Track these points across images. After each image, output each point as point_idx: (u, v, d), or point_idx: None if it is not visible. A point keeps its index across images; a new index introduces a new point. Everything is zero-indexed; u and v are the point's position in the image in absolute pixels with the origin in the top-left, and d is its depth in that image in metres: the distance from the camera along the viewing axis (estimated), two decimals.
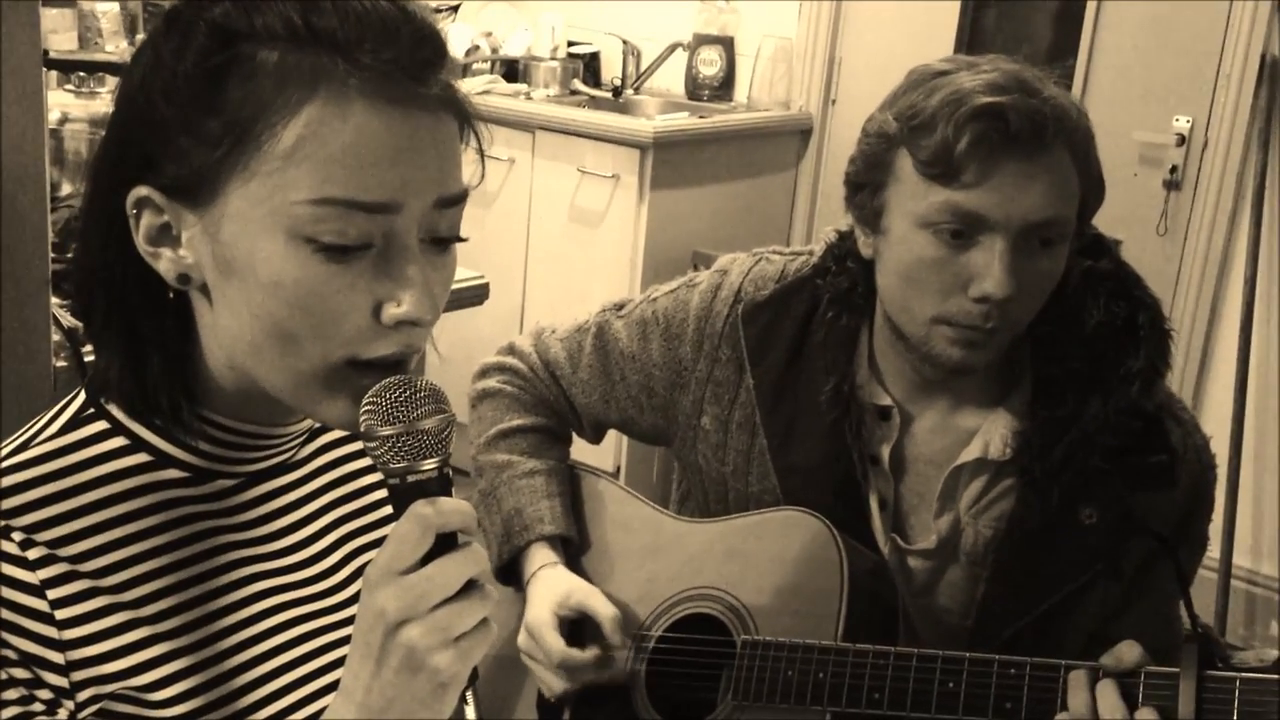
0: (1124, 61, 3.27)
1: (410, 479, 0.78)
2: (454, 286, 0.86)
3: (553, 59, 3.99)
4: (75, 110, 2.05)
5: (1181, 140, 3.18)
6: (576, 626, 1.43)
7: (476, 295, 2.24)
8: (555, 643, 1.40)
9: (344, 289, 0.78)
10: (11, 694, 0.79)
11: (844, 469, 1.40)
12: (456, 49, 3.90)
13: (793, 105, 3.80)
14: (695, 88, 3.91)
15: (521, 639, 1.44)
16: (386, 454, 0.78)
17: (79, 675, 0.81)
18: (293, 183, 0.76)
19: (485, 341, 1.77)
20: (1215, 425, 2.81)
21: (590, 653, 1.40)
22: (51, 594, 0.80)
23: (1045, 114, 1.23)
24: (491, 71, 3.92)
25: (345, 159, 0.76)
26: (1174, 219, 3.23)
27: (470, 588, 0.77)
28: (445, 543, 0.76)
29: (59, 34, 2.38)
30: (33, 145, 1.46)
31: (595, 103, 3.89)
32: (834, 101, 3.79)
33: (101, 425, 0.86)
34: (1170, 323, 1.37)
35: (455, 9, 4.09)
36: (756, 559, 1.37)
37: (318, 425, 0.96)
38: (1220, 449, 1.45)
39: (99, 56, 2.37)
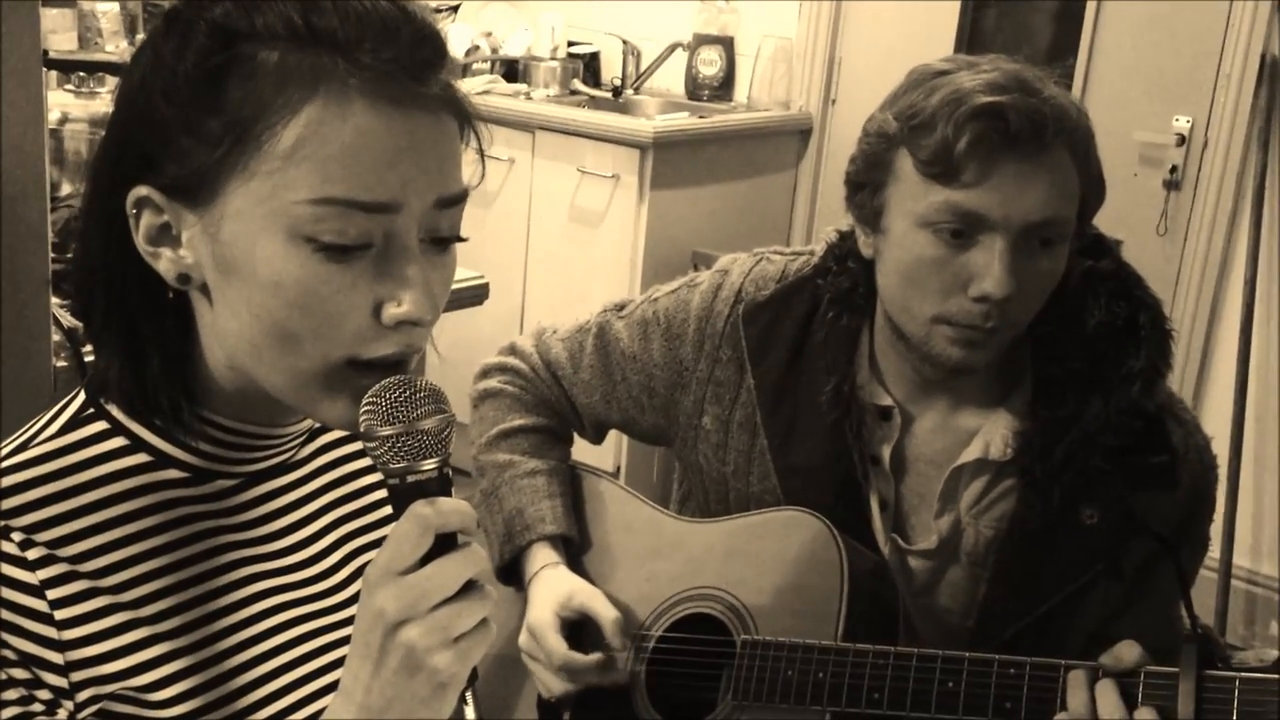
0: (1124, 61, 3.27)
1: (410, 479, 0.78)
2: (454, 286, 0.86)
3: (553, 59, 3.99)
4: (75, 110, 2.05)
5: (1181, 140, 3.18)
6: (577, 627, 1.43)
7: (476, 295, 2.24)
8: (557, 645, 1.40)
9: (344, 289, 0.78)
10: (11, 694, 0.79)
11: (845, 469, 1.40)
12: (456, 49, 3.90)
13: (793, 105, 3.80)
14: (695, 88, 3.91)
15: (523, 639, 1.44)
16: (386, 454, 0.78)
17: (78, 675, 0.81)
18: (293, 182, 0.76)
19: (485, 341, 1.77)
20: (1215, 425, 2.80)
21: (592, 657, 1.40)
22: (51, 594, 0.80)
23: (1045, 113, 1.23)
24: (491, 71, 3.92)
25: (345, 159, 0.76)
26: (1174, 219, 3.23)
27: (470, 588, 0.77)
28: (445, 543, 0.76)
29: (59, 34, 2.38)
30: (33, 145, 1.46)
31: (595, 103, 3.89)
32: (834, 101, 3.79)
33: (101, 425, 0.86)
34: (1171, 323, 1.37)
35: (455, 9, 4.09)
36: (757, 559, 1.37)
37: (318, 425, 0.96)
38: (1220, 449, 1.45)
39: (99, 56, 2.37)
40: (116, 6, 2.54)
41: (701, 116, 3.65)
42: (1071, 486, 1.33)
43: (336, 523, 0.98)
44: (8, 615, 0.79)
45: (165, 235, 0.81)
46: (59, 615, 0.80)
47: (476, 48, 3.98)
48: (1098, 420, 1.32)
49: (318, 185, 0.76)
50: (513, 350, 1.61)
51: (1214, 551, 3.01)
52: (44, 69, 1.49)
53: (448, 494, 0.79)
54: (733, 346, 1.46)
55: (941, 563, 1.40)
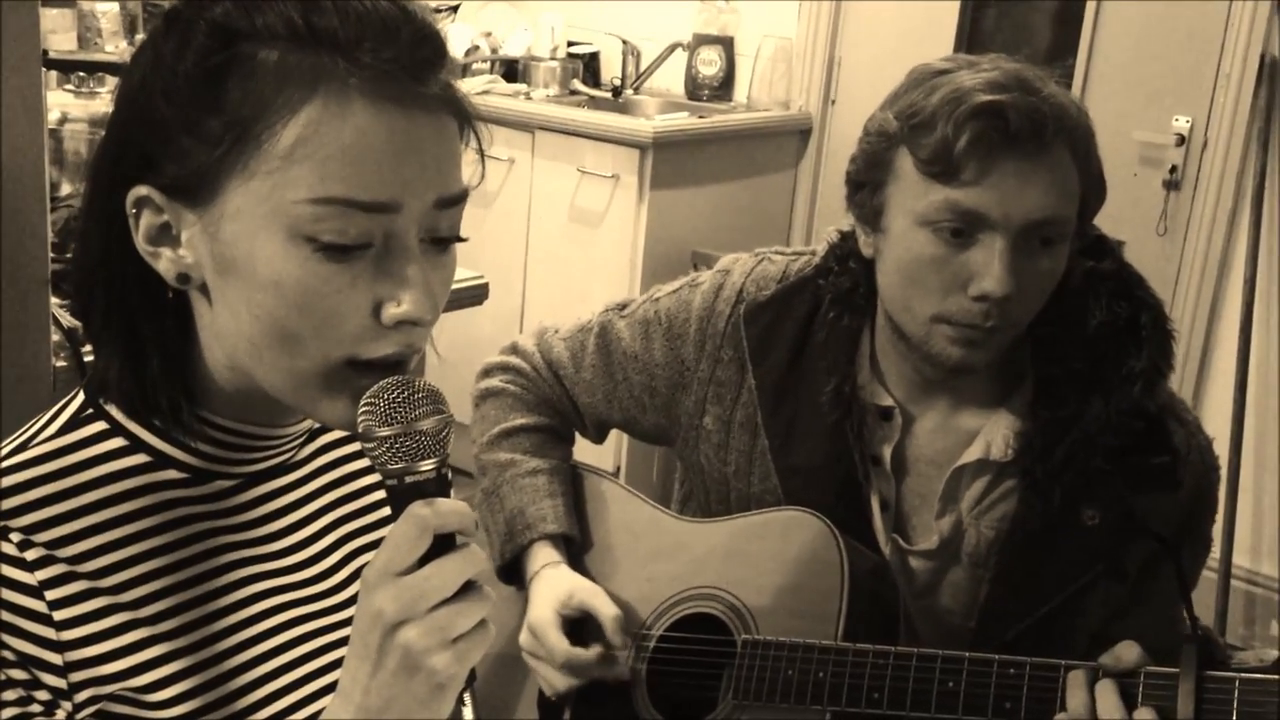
0: (1124, 61, 3.27)
1: (408, 480, 0.78)
2: (454, 286, 0.85)
3: (552, 59, 3.99)
4: (75, 110, 2.05)
5: (1181, 140, 3.18)
6: (577, 626, 1.43)
7: (476, 295, 2.24)
8: (559, 642, 1.40)
9: (344, 288, 0.78)
10: (9, 695, 0.79)
11: (845, 469, 1.40)
12: (456, 49, 3.90)
13: (792, 105, 3.80)
14: (695, 88, 3.91)
15: (524, 638, 1.44)
16: (384, 455, 0.78)
17: (77, 676, 0.81)
18: (293, 182, 0.76)
19: (485, 341, 1.77)
20: (1215, 425, 2.80)
21: (593, 652, 1.40)
22: (50, 595, 0.80)
23: (1045, 112, 1.23)
24: (491, 71, 3.92)
25: (345, 158, 0.76)
26: (1174, 219, 3.23)
27: (468, 589, 0.76)
28: (443, 544, 0.76)
29: (59, 34, 2.38)
30: (32, 145, 1.46)
31: (595, 103, 3.89)
32: (834, 101, 3.79)
33: (100, 425, 0.86)
34: (1173, 324, 1.37)
35: (455, 9, 4.09)
36: (757, 559, 1.37)
37: (317, 426, 0.96)
38: (1220, 449, 1.45)
39: (99, 56, 2.37)
40: (116, 6, 2.54)
41: (701, 116, 3.65)
42: (1073, 487, 1.33)
43: (336, 523, 0.98)
44: (6, 616, 0.79)
45: (165, 235, 0.81)
46: (58, 616, 0.80)
47: (476, 48, 3.98)
48: (1099, 421, 1.32)
49: (317, 185, 0.76)
50: (514, 349, 1.61)
51: (1214, 551, 3.01)
52: (44, 69, 1.49)
53: (446, 495, 0.79)
54: (734, 346, 1.46)
55: (942, 563, 1.40)
